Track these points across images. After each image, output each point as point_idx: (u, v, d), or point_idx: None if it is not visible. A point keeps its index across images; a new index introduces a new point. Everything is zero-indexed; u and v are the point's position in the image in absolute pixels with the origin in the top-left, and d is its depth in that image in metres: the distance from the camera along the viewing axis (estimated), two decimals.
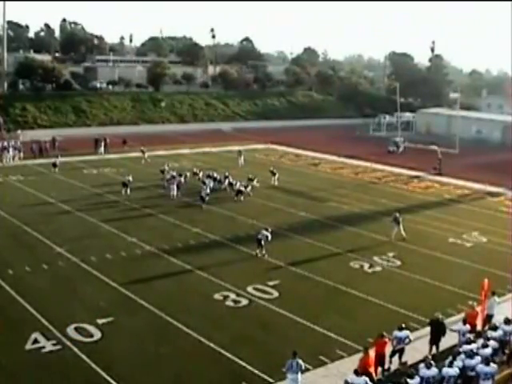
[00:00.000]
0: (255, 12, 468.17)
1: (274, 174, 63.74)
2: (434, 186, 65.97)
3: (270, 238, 39.72)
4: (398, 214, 45.47)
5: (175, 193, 55.14)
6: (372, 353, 23.50)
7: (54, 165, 65.02)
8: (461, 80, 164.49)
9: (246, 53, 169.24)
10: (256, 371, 24.69)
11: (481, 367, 22.43)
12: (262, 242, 39.30)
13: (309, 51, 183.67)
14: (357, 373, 21.69)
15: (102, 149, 77.38)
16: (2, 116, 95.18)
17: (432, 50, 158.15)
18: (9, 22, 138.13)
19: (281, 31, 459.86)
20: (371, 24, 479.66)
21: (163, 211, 49.97)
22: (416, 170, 73.92)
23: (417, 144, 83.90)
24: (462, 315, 28.33)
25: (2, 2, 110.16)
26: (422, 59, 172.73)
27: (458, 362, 22.62)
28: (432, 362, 22.31)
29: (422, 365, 22.44)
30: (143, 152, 72.90)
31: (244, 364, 25.08)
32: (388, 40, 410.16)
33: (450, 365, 22.30)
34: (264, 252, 39.26)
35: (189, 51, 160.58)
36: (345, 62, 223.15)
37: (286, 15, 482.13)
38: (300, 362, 22.75)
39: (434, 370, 21.98)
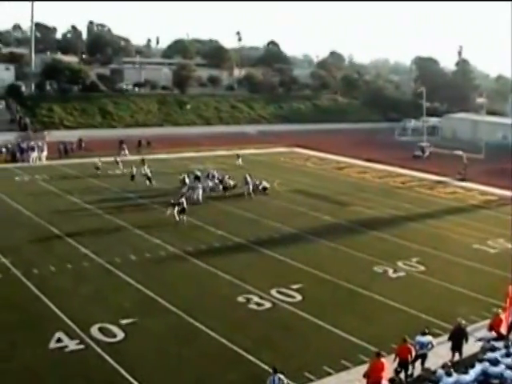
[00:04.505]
0: (281, 15, 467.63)
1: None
2: (458, 192, 65.59)
3: None
4: None
5: (200, 197, 54.98)
6: (384, 360, 23.31)
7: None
8: (487, 85, 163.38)
9: (271, 56, 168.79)
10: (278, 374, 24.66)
11: (509, 373, 22.30)
12: None
13: (334, 55, 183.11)
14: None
15: (127, 150, 77.57)
16: (28, 116, 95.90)
17: (459, 54, 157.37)
18: (36, 24, 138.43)
19: (307, 34, 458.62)
20: (397, 28, 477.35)
21: (186, 212, 50.10)
22: (441, 175, 73.51)
23: (442, 149, 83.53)
24: (485, 322, 28.23)
25: (30, 4, 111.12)
26: (448, 64, 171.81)
27: (476, 369, 22.51)
28: (452, 369, 22.22)
29: (441, 371, 22.37)
30: (143, 162, 67.47)
31: (266, 367, 25.02)
32: (414, 44, 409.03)
33: (467, 371, 22.21)
34: None
35: (214, 54, 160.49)
36: (370, 65, 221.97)
37: (311, 18, 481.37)
38: (282, 377, 22.36)
39: (454, 377, 21.90)
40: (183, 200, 49.07)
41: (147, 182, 60.59)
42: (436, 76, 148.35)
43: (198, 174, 61.90)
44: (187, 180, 58.49)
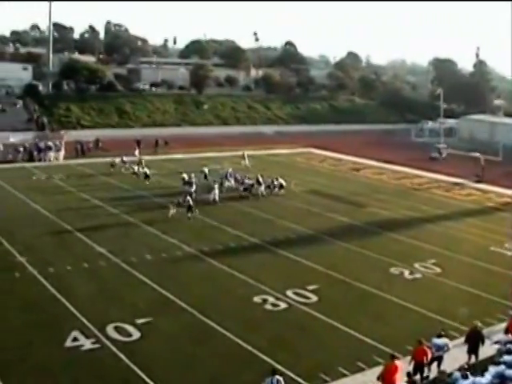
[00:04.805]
0: (299, 15, 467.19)
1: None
2: (475, 194, 65.33)
3: None
4: None
5: (217, 197, 54.77)
6: (398, 363, 23.25)
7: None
8: (505, 87, 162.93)
9: (288, 56, 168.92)
10: (292, 375, 24.69)
11: None
12: None
13: (352, 55, 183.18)
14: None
15: (137, 151, 77.49)
16: (46, 116, 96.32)
17: (477, 55, 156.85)
18: (54, 24, 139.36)
19: (324, 35, 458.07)
20: (414, 29, 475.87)
21: (203, 212, 50.18)
22: (458, 177, 73.25)
23: (459, 151, 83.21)
24: (502, 325, 28.11)
25: (47, 4, 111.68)
26: (465, 65, 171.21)
27: (492, 371, 22.40)
28: (468, 372, 22.13)
29: (458, 374, 22.28)
30: (141, 163, 68.03)
31: (280, 367, 25.05)
32: (431, 45, 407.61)
33: (483, 373, 22.11)
34: None
35: (232, 54, 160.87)
36: (388, 66, 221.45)
37: (329, 19, 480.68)
38: (280, 378, 22.27)
39: (470, 380, 21.80)
40: (189, 198, 49.77)
41: (146, 181, 61.80)
42: (453, 77, 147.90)
43: (206, 172, 62.94)
44: (194, 179, 58.46)
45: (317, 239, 44.72)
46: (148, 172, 63.27)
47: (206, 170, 63.73)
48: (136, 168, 65.06)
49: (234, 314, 30.61)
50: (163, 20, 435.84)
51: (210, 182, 57.64)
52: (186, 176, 59.13)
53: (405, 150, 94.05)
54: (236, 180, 60.89)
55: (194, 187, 56.47)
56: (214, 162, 73.93)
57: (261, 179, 58.91)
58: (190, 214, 48.95)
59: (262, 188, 58.10)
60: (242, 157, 74.79)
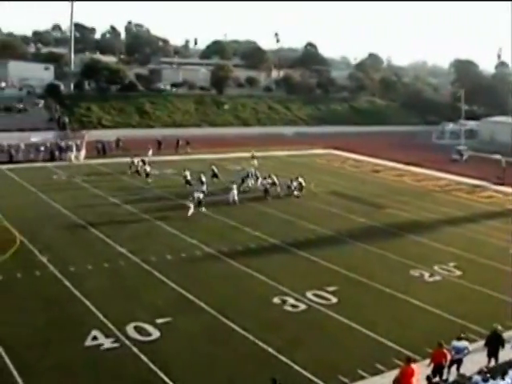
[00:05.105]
0: (320, 16, 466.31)
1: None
2: (496, 196, 65.01)
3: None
4: None
5: (236, 198, 54.73)
6: (415, 366, 23.11)
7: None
8: None
9: (309, 57, 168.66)
10: (310, 376, 24.70)
11: None
12: None
13: (373, 57, 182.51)
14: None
15: (151, 152, 77.57)
16: (67, 116, 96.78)
17: (498, 56, 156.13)
18: (76, 24, 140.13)
19: (345, 36, 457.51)
20: (436, 30, 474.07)
21: (222, 213, 50.28)
22: (479, 179, 72.89)
23: (480, 153, 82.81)
24: None
25: (69, 4, 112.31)
26: (487, 66, 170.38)
27: (511, 374, 22.29)
28: (487, 375, 22.01)
29: (478, 377, 22.17)
30: (144, 162, 67.79)
31: (298, 368, 25.11)
32: (452, 47, 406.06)
33: (503, 377, 22.00)
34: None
35: (252, 55, 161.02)
36: (409, 68, 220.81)
37: (350, 20, 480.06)
38: None
39: (490, 383, 21.69)
40: (198, 195, 51.28)
41: (148, 179, 62.83)
42: (475, 79, 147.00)
43: (216, 170, 63.78)
44: (204, 178, 58.94)
45: (337, 240, 44.67)
46: (148, 170, 63.97)
47: (215, 168, 64.28)
48: (148, 168, 65.19)
49: (253, 315, 30.62)
50: (184, 20, 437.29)
51: (227, 182, 57.80)
52: (188, 174, 60.34)
53: (426, 151, 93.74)
54: (257, 180, 60.97)
55: (205, 186, 57.07)
56: (234, 162, 74.02)
57: (276, 180, 58.97)
58: (201, 209, 50.32)
59: (279, 189, 58.07)
60: (252, 157, 74.82)
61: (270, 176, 60.25)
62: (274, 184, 58.44)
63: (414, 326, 30.30)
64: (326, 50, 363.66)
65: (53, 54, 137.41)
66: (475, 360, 25.45)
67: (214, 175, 63.15)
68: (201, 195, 51.62)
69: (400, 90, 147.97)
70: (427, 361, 24.67)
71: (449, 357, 24.22)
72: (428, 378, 22.77)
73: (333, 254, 40.60)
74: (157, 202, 54.51)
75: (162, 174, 63.88)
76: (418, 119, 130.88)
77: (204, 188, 55.97)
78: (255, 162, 72.82)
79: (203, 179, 58.58)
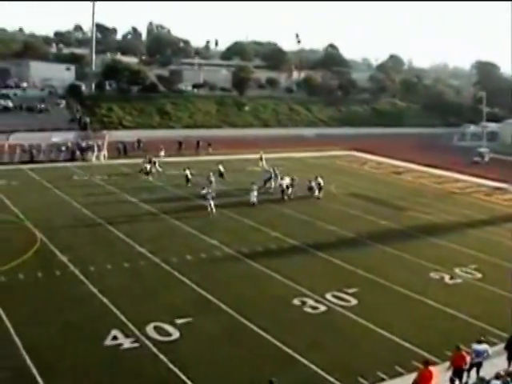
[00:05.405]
0: (341, 18, 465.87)
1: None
2: None
3: None
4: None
5: (255, 199, 54.54)
6: (433, 369, 23.00)
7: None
8: None
9: (330, 59, 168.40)
10: (330, 378, 24.65)
11: None
12: None
13: (394, 58, 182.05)
14: None
15: (163, 152, 77.58)
16: (88, 116, 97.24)
17: None
18: (97, 25, 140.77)
19: (366, 38, 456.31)
20: (457, 32, 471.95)
21: (241, 214, 50.33)
22: (500, 182, 72.55)
23: (502, 155, 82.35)
24: None
25: (91, 5, 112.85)
26: (508, 69, 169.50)
27: None
28: (507, 378, 21.88)
29: (497, 382, 22.02)
30: (150, 161, 67.85)
31: (318, 370, 25.07)
32: (474, 49, 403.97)
33: None
34: None
35: (273, 56, 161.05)
36: (430, 70, 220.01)
37: (371, 22, 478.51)
38: None
39: None
40: (208, 190, 52.22)
41: (150, 178, 64.23)
42: (496, 81, 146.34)
43: (222, 170, 64.35)
44: (212, 178, 59.79)
45: (357, 242, 44.57)
46: (148, 169, 65.05)
47: (222, 167, 64.79)
48: (154, 169, 66.43)
49: (272, 316, 30.60)
50: (205, 21, 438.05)
51: (247, 183, 57.83)
52: (189, 173, 61.09)
53: (447, 153, 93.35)
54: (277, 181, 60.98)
55: (213, 185, 57.81)
56: (254, 163, 73.98)
57: (289, 181, 59.07)
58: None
59: (290, 190, 57.90)
60: (260, 159, 74.66)
61: (288, 177, 60.16)
62: (292, 185, 58.22)
63: (434, 329, 30.16)
64: (348, 52, 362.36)
65: (74, 54, 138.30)
66: (495, 363, 25.34)
67: (221, 175, 63.67)
68: (208, 192, 52.07)
69: (421, 91, 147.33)
70: (447, 364, 24.56)
71: (468, 360, 24.11)
72: (451, 380, 22.68)
73: (352, 256, 40.51)
74: (176, 202, 54.63)
75: (181, 174, 63.88)
76: (439, 121, 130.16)
77: (212, 187, 56.29)
78: (264, 163, 72.94)
79: (212, 179, 59.31)
